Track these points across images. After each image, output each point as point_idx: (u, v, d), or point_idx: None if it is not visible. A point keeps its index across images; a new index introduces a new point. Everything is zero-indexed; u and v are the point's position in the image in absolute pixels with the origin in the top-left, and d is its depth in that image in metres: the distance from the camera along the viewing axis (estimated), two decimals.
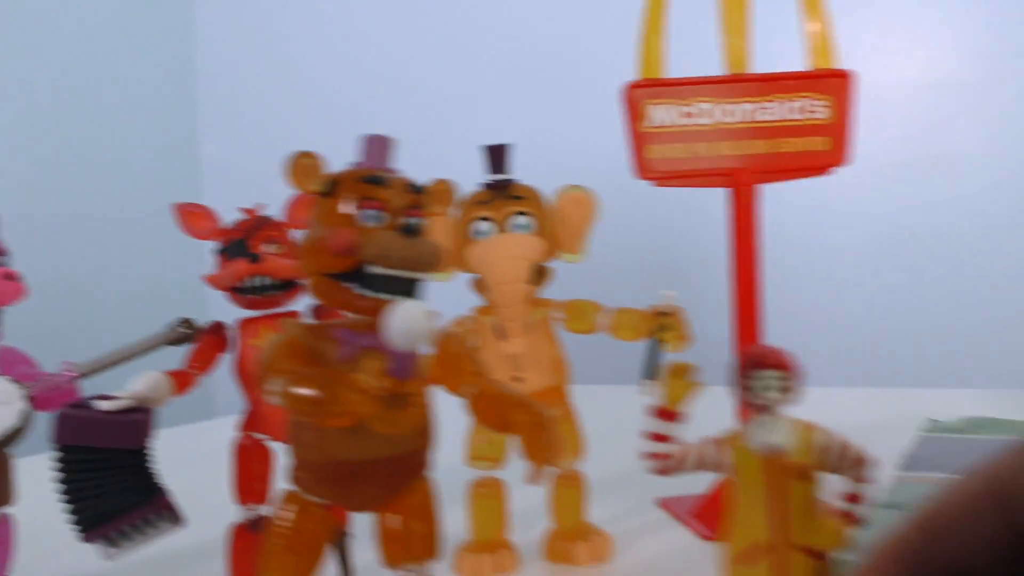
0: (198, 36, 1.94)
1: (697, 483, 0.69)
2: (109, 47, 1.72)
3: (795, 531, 0.28)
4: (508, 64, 1.58)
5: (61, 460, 0.44)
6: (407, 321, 0.30)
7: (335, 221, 0.36)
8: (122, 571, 0.58)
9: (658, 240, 1.47)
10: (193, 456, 0.76)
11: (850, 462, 0.28)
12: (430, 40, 1.66)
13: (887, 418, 0.97)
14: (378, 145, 0.39)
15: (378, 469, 0.37)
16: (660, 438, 0.32)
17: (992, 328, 1.29)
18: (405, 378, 0.32)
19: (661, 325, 0.53)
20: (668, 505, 0.68)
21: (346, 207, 0.36)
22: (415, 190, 0.38)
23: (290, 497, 0.37)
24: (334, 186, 0.37)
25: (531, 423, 0.36)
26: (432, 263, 0.36)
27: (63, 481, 0.44)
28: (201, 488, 0.58)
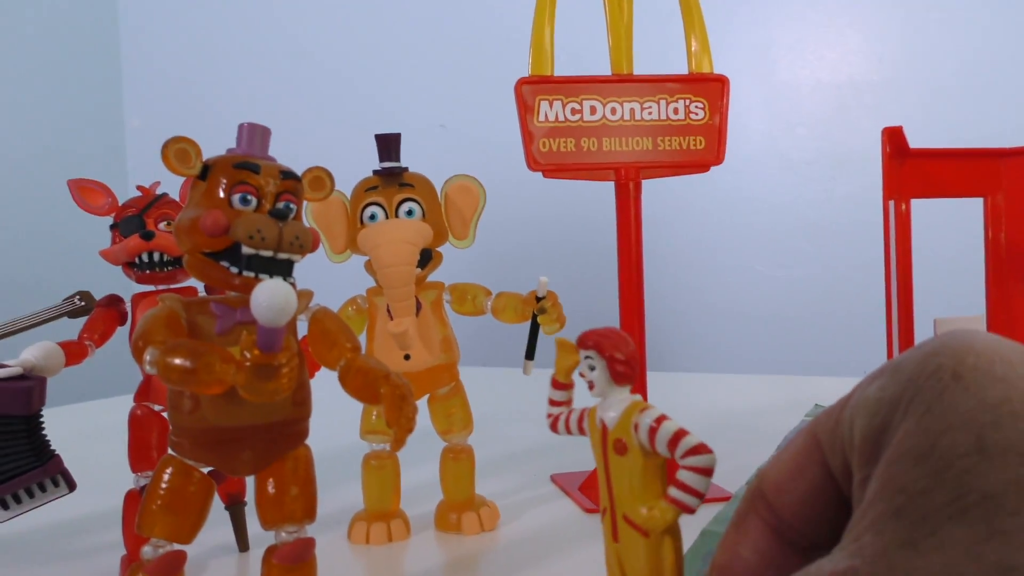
0: (120, 8, 1.91)
1: (590, 460, 0.75)
2: (35, 21, 1.68)
3: (621, 502, 0.31)
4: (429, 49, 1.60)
5: None
6: (271, 297, 0.33)
7: (209, 203, 0.39)
8: (21, 537, 0.61)
9: (559, 228, 1.52)
10: (103, 430, 0.78)
11: (678, 448, 0.29)
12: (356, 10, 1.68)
13: (778, 403, 1.05)
14: (254, 133, 0.41)
15: (253, 435, 0.40)
16: (554, 403, 0.36)
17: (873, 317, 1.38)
18: (272, 351, 0.35)
19: (539, 309, 0.57)
20: (559, 480, 0.73)
21: (220, 190, 0.39)
22: (287, 176, 0.41)
23: (168, 461, 0.40)
24: (209, 171, 0.40)
25: (393, 394, 0.40)
26: (300, 245, 0.39)
27: None
28: (106, 460, 0.61)
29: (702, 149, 0.70)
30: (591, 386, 0.33)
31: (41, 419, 0.48)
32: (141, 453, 0.54)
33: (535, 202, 1.42)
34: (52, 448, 0.49)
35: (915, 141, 0.61)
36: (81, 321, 0.57)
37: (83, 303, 0.57)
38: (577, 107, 0.69)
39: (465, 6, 1.62)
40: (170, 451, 0.41)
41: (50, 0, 1.73)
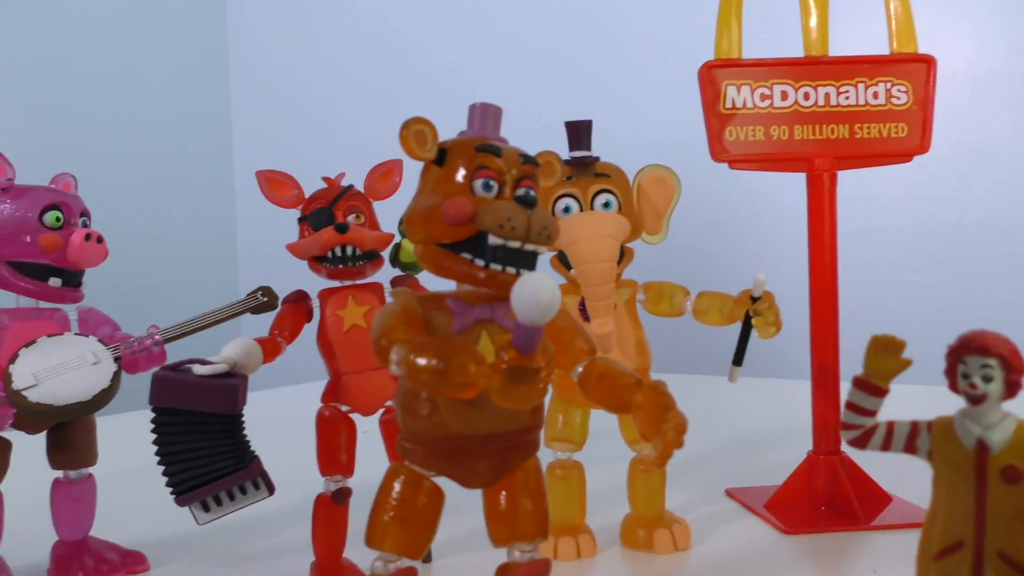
0: (228, 8, 1.95)
1: (766, 475, 0.69)
2: (144, 22, 1.73)
3: (997, 536, 0.27)
4: (579, 39, 1.55)
5: (156, 422, 0.44)
6: (538, 293, 0.30)
7: (449, 190, 0.36)
8: (205, 534, 0.59)
9: (728, 224, 1.45)
10: (262, 423, 0.76)
11: None
12: (491, 12, 1.64)
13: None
14: (487, 114, 0.38)
15: (492, 444, 0.36)
16: (862, 412, 0.31)
17: None
18: (531, 352, 0.32)
19: (753, 311, 0.52)
20: (737, 495, 0.68)
21: (460, 175, 0.36)
22: (528, 161, 0.37)
23: (399, 469, 0.37)
24: (447, 154, 0.37)
25: (654, 403, 0.35)
26: (551, 235, 0.36)
27: (158, 443, 0.44)
28: (281, 455, 0.59)
29: (904, 136, 0.64)
30: (980, 400, 0.28)
31: (243, 419, 0.46)
32: (330, 456, 0.51)
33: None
34: (253, 450, 0.47)
35: None
36: (263, 317, 0.55)
37: (266, 299, 0.55)
38: (767, 92, 0.64)
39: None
40: (400, 457, 0.37)
41: (159, 0, 1.77)
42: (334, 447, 0.51)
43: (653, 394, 0.35)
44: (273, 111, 1.91)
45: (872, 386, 0.30)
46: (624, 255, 0.55)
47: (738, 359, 0.54)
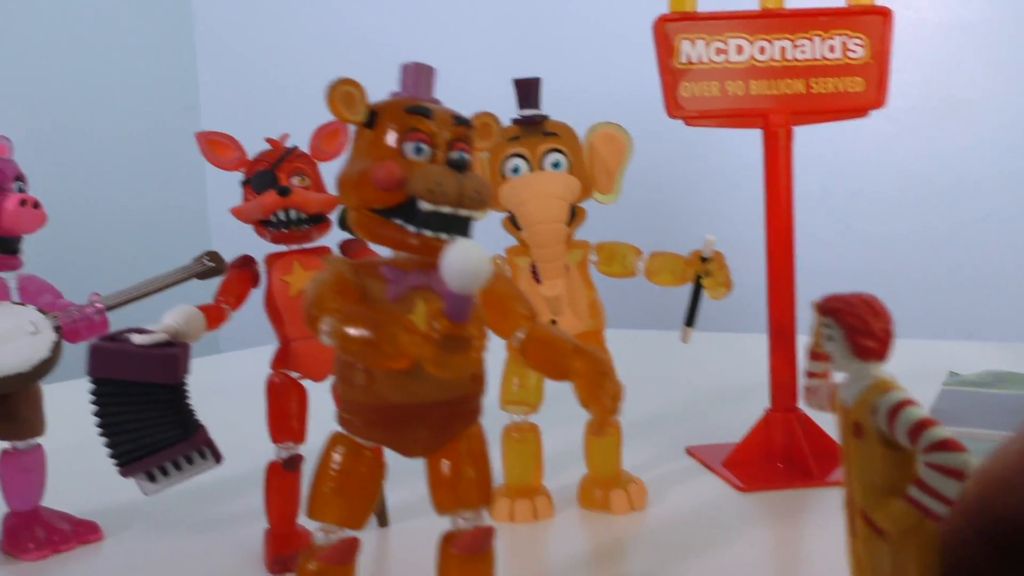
0: None
1: (727, 432, 0.70)
2: None
3: (858, 494, 0.27)
4: None
5: (96, 393, 0.44)
6: (468, 261, 0.29)
7: (379, 154, 0.35)
8: (158, 502, 0.59)
9: (682, 181, 1.44)
10: (221, 387, 0.76)
11: (920, 440, 0.24)
12: None
13: (910, 370, 0.98)
14: (420, 74, 0.37)
15: (431, 413, 0.36)
16: (812, 375, 0.32)
17: (1011, 281, 1.29)
18: (462, 320, 0.31)
19: (704, 271, 0.52)
20: (697, 453, 0.69)
21: (391, 139, 0.35)
22: (461, 123, 0.36)
23: (338, 439, 0.37)
24: (377, 117, 0.36)
25: (592, 371, 0.35)
26: (484, 200, 0.35)
27: (99, 414, 0.44)
28: (233, 420, 0.58)
29: (861, 92, 0.63)
30: (827, 358, 0.28)
31: (185, 388, 0.45)
32: (281, 423, 0.51)
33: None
34: (197, 419, 0.46)
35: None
36: (209, 283, 0.54)
37: (213, 263, 0.55)
38: (722, 46, 0.63)
39: None
40: (340, 429, 0.37)
41: None
42: (285, 414, 0.51)
43: (591, 361, 0.35)
44: (240, 71, 1.87)
45: (816, 352, 0.31)
46: (575, 216, 0.54)
47: (690, 320, 0.54)
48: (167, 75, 1.84)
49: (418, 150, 0.35)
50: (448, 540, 0.38)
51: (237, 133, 0.53)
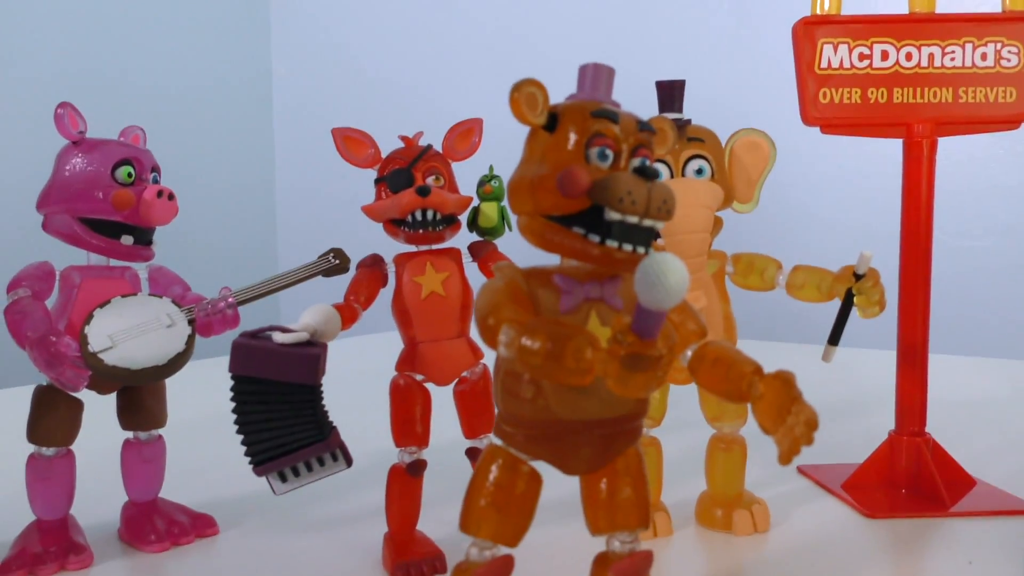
0: None
1: (836, 452, 0.67)
2: None
3: None
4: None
5: (236, 390, 0.43)
6: (665, 277, 0.27)
7: (560, 158, 0.33)
8: (275, 498, 0.58)
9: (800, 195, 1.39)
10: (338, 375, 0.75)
11: None
12: None
13: (1006, 388, 0.93)
14: (599, 75, 0.35)
15: (597, 430, 0.34)
16: None
17: None
18: (652, 337, 0.29)
19: (857, 289, 0.49)
20: (811, 474, 0.66)
21: (572, 143, 0.33)
22: (645, 128, 0.34)
23: (497, 452, 0.35)
24: (558, 119, 0.34)
25: (780, 394, 0.32)
26: (670, 210, 0.33)
27: (237, 411, 0.43)
28: (351, 414, 0.57)
29: (1012, 102, 0.60)
30: None
31: (322, 389, 0.45)
32: (405, 427, 0.49)
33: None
34: (331, 420, 0.45)
35: None
36: (335, 281, 0.53)
37: (337, 261, 0.54)
38: (866, 51, 0.59)
39: None
40: (498, 441, 0.36)
41: None
42: (409, 417, 0.49)
43: (780, 384, 0.32)
44: (314, 61, 1.88)
45: None
46: (714, 224, 0.52)
47: (835, 338, 0.51)
48: (240, 64, 1.86)
49: (603, 156, 0.33)
50: (602, 562, 0.36)
51: (309, 126, 0.52)
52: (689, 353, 0.36)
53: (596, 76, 0.35)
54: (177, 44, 1.68)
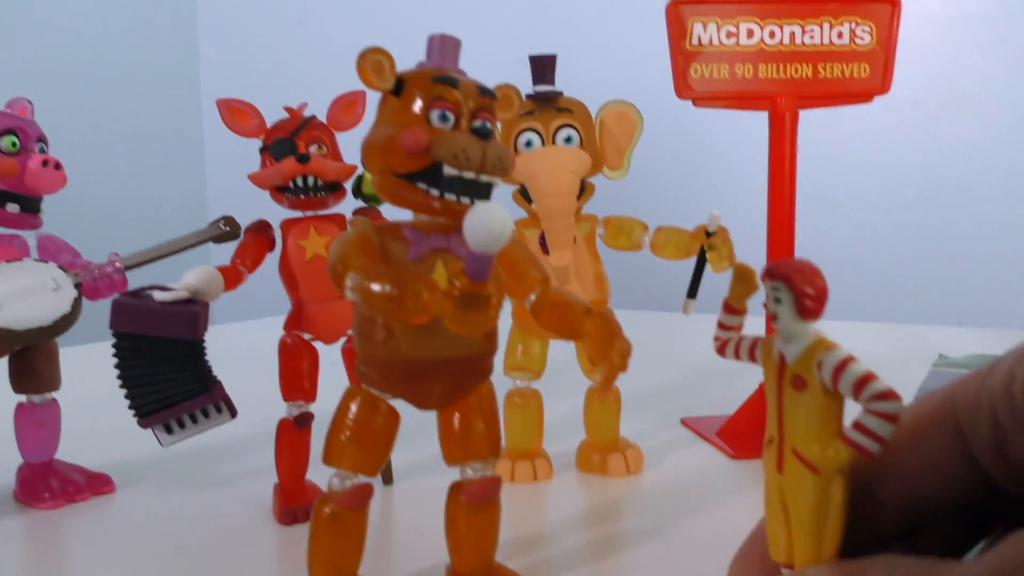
0: None
1: (720, 406, 0.72)
2: None
3: (792, 436, 0.30)
4: None
5: (118, 347, 0.45)
6: (489, 223, 0.30)
7: (405, 121, 0.36)
8: (169, 457, 0.60)
9: (687, 160, 1.45)
10: (235, 354, 0.77)
11: (864, 392, 0.28)
12: None
13: (903, 352, 1.00)
14: (446, 45, 0.38)
15: (446, 368, 0.37)
16: (724, 327, 0.34)
17: (1000, 270, 1.31)
18: (482, 279, 0.33)
19: (708, 245, 0.54)
20: (691, 424, 0.70)
21: (417, 107, 0.36)
22: (485, 93, 0.37)
23: (356, 391, 0.38)
24: (404, 85, 0.37)
25: (602, 329, 0.36)
26: (505, 167, 0.36)
27: (119, 367, 0.45)
28: (244, 384, 0.60)
29: (866, 78, 0.65)
30: (774, 318, 0.30)
31: (204, 345, 0.47)
32: (293, 382, 0.52)
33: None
34: (214, 375, 0.47)
35: None
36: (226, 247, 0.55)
37: (228, 228, 0.56)
38: (733, 30, 0.64)
39: None
40: (357, 381, 0.39)
41: None
42: (296, 373, 0.52)
43: (601, 321, 0.37)
44: (241, 37, 1.86)
45: (731, 307, 0.33)
46: (585, 190, 0.55)
47: (692, 292, 0.55)
48: (167, 48, 1.84)
49: (443, 118, 0.36)
50: (457, 489, 0.40)
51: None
52: (533, 297, 0.39)
53: (443, 46, 0.38)
54: (99, 29, 1.65)
